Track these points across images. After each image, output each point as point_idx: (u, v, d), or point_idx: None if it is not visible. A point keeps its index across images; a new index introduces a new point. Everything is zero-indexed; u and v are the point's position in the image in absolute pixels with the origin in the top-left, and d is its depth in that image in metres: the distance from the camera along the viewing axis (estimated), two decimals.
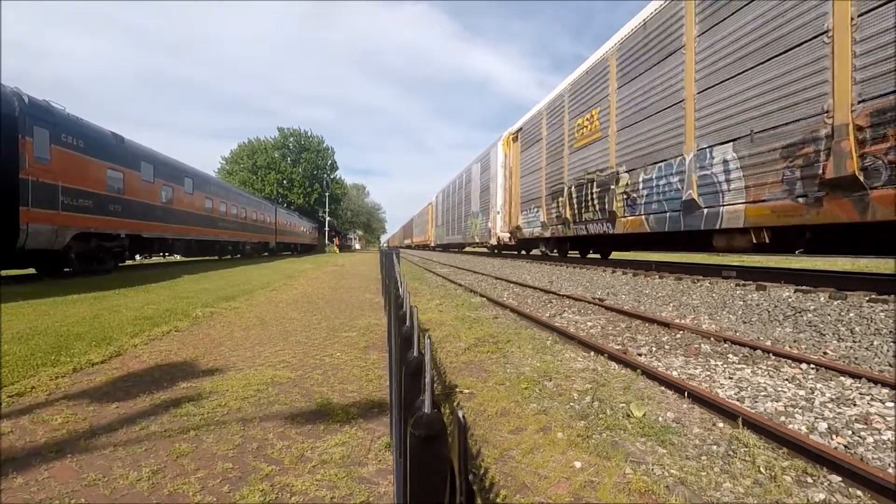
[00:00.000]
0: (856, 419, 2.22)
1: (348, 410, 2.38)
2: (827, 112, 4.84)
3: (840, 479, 1.69)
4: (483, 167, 20.29)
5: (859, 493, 1.62)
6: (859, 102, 4.52)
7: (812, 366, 3.07)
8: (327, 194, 49.77)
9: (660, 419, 2.29)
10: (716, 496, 1.62)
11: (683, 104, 7.08)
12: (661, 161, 7.60)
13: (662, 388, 2.74)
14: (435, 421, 0.56)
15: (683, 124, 7.05)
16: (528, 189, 14.21)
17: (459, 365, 3.31)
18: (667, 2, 7.59)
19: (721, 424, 2.21)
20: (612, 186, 9.03)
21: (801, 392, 2.61)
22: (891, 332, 3.67)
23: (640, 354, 3.55)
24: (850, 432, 2.08)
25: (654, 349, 3.70)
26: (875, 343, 3.49)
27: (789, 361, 3.21)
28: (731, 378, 2.92)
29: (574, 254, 13.83)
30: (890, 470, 1.76)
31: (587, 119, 10.34)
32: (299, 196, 49.75)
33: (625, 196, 8.64)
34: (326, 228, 47.54)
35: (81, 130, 10.26)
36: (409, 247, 55.04)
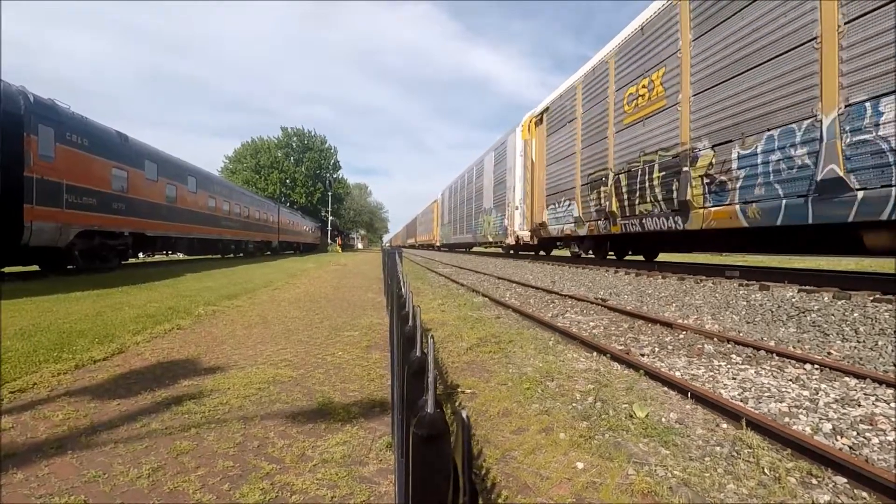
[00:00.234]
0: (860, 420, 2.20)
1: (350, 409, 2.38)
2: None
3: (845, 480, 1.68)
4: (498, 158, 18.09)
5: (864, 494, 1.60)
6: None
7: (816, 366, 3.05)
8: (330, 194, 49.82)
9: (663, 420, 2.27)
10: (719, 498, 1.60)
11: (818, 43, 5.01)
12: (774, 128, 5.59)
13: (665, 388, 2.73)
14: (437, 421, 0.55)
15: (818, 71, 5.02)
16: (557, 179, 12.01)
17: (461, 365, 3.30)
18: None
19: (725, 425, 2.20)
20: (686, 168, 7.00)
21: (806, 392, 2.59)
22: (895, 332, 3.65)
23: (642, 355, 3.53)
24: (854, 433, 2.06)
25: (656, 349, 3.68)
26: (879, 343, 3.47)
27: (793, 362, 3.19)
28: (734, 378, 2.90)
29: (612, 256, 11.63)
30: (895, 471, 1.74)
31: (643, 86, 8.20)
32: (302, 195, 49.84)
33: (706, 180, 6.61)
34: (329, 228, 47.60)
35: (86, 129, 10.30)
36: (412, 246, 54.16)
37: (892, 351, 3.29)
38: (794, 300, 4.99)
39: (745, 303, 5.18)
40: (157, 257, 19.74)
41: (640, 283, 7.55)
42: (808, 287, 5.55)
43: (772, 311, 4.69)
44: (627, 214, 8.71)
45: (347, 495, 1.60)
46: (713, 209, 6.60)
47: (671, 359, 3.40)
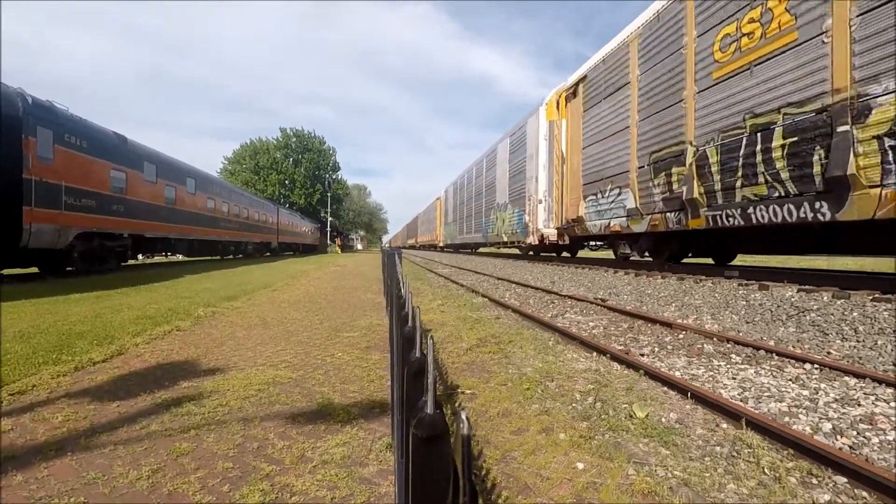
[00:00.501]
0: (860, 419, 2.20)
1: (349, 410, 2.37)
2: None
3: (845, 480, 1.68)
4: (515, 144, 15.65)
5: (864, 494, 1.60)
6: None
7: (816, 366, 3.05)
8: (329, 194, 49.79)
9: (663, 420, 2.27)
10: (719, 498, 1.60)
11: None
12: None
13: (665, 388, 2.73)
14: (437, 421, 0.55)
15: None
16: (600, 163, 9.80)
17: (461, 365, 3.30)
18: None
19: (724, 425, 2.20)
20: (845, 127, 4.77)
21: (805, 392, 2.59)
22: (894, 331, 3.65)
23: (642, 355, 3.53)
24: (854, 433, 2.07)
25: (656, 349, 3.68)
26: (879, 343, 3.47)
27: (793, 361, 3.19)
28: (734, 378, 2.90)
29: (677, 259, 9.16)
30: (895, 470, 1.74)
31: (751, 20, 5.99)
32: (301, 196, 49.81)
33: (889, 142, 4.40)
34: (328, 229, 47.57)
35: (84, 130, 10.30)
36: (412, 247, 53.30)
37: (892, 350, 3.30)
38: (793, 300, 4.99)
39: (744, 302, 5.18)
40: (157, 259, 19.71)
41: (640, 282, 7.55)
42: (807, 287, 5.55)
43: (771, 311, 4.69)
44: (720, 202, 6.42)
45: (347, 496, 1.59)
46: None
47: (671, 359, 3.40)
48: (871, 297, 4.69)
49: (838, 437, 2.05)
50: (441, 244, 34.02)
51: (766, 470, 1.77)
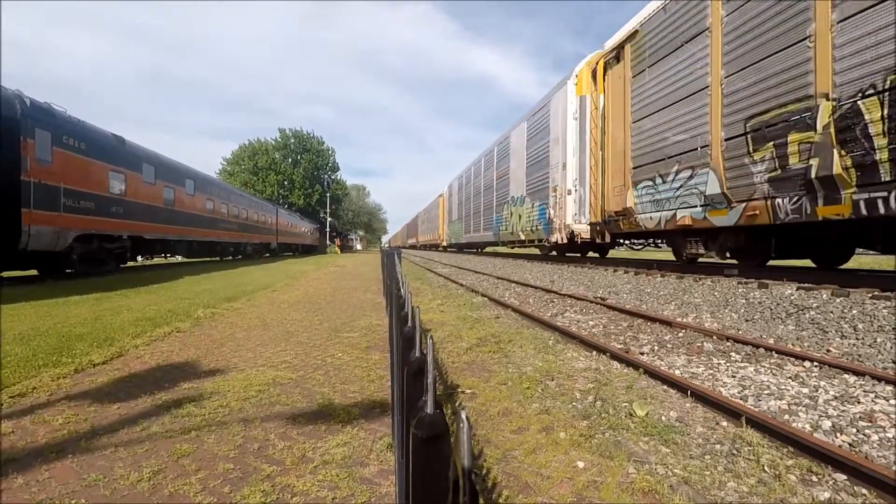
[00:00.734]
0: (860, 417, 2.21)
1: (350, 411, 2.38)
2: None
3: (845, 477, 1.68)
4: (534, 129, 13.75)
5: (864, 491, 1.61)
6: None
7: (815, 363, 3.05)
8: (328, 195, 49.76)
9: (663, 418, 2.28)
10: (720, 496, 1.61)
11: None
12: None
13: (665, 387, 2.73)
14: (437, 421, 0.55)
15: None
16: (659, 139, 7.79)
17: (461, 365, 3.30)
18: None
19: (724, 423, 2.20)
20: None
21: (805, 390, 2.60)
22: (894, 329, 3.66)
23: (642, 353, 3.54)
24: (854, 430, 2.07)
25: (656, 348, 3.69)
26: (878, 340, 3.48)
27: (792, 359, 3.20)
28: (734, 377, 2.90)
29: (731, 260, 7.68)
30: (895, 468, 1.75)
31: None
32: (300, 197, 49.78)
33: None
34: (327, 229, 47.55)
35: (83, 132, 10.28)
36: (413, 247, 52.28)
37: (891, 348, 3.30)
38: (792, 298, 5.00)
39: (744, 301, 5.19)
40: (156, 260, 19.69)
41: (639, 281, 7.56)
42: (806, 284, 5.56)
43: (771, 309, 4.70)
44: (886, 178, 4.48)
45: (348, 496, 1.60)
46: None
47: (670, 357, 3.41)
48: (870, 295, 4.70)
49: (838, 434, 2.05)
50: (444, 244, 31.80)
51: (765, 468, 1.77)
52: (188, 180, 16.20)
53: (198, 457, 1.88)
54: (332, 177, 54.41)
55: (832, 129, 4.97)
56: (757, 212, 5.96)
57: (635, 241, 10.64)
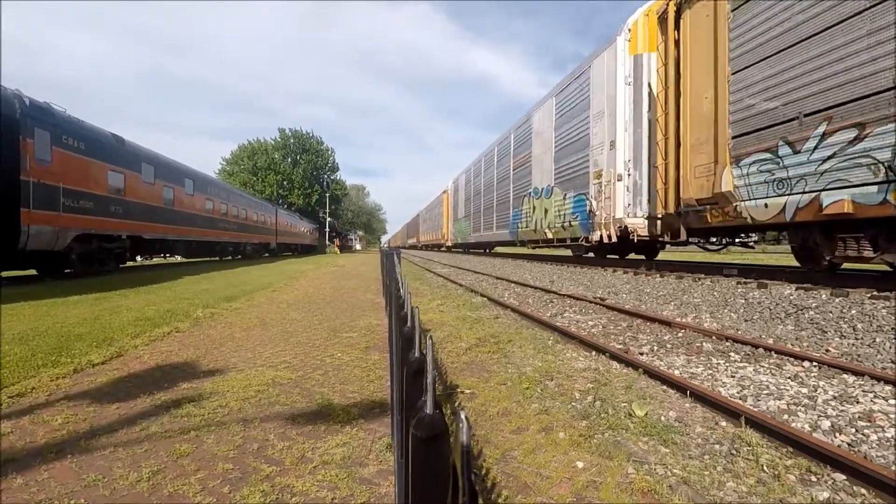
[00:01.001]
0: (859, 417, 2.21)
1: (349, 411, 2.38)
2: None
3: (844, 477, 1.69)
4: (568, 103, 11.35)
5: (863, 491, 1.61)
6: None
7: (814, 363, 3.06)
8: (327, 195, 49.73)
9: (662, 418, 2.28)
10: (719, 496, 1.61)
11: None
12: None
13: (664, 387, 2.74)
14: (437, 421, 0.55)
15: None
16: (784, 93, 5.63)
17: (461, 365, 3.30)
18: None
19: (724, 423, 2.20)
20: None
21: (804, 390, 2.60)
22: (893, 328, 3.66)
23: (641, 353, 3.54)
24: (853, 430, 2.07)
25: (655, 348, 3.69)
26: (877, 340, 3.48)
27: (791, 359, 3.20)
28: (733, 377, 2.91)
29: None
30: (894, 468, 1.75)
31: None
32: (299, 197, 49.74)
33: None
34: (327, 229, 47.51)
35: (82, 132, 10.27)
36: (413, 247, 51.15)
37: (890, 348, 3.31)
38: (791, 298, 5.01)
39: (743, 301, 5.19)
40: (155, 260, 19.67)
41: (639, 281, 7.56)
42: (805, 285, 5.56)
43: (770, 309, 4.70)
44: None
45: (348, 496, 1.59)
46: None
47: (670, 357, 3.41)
48: (869, 295, 4.71)
49: (837, 434, 2.06)
50: (449, 244, 28.69)
51: (765, 468, 1.78)
52: (187, 180, 16.19)
53: (197, 457, 1.88)
54: (332, 177, 54.37)
55: None
56: None
57: (717, 238, 8.16)
